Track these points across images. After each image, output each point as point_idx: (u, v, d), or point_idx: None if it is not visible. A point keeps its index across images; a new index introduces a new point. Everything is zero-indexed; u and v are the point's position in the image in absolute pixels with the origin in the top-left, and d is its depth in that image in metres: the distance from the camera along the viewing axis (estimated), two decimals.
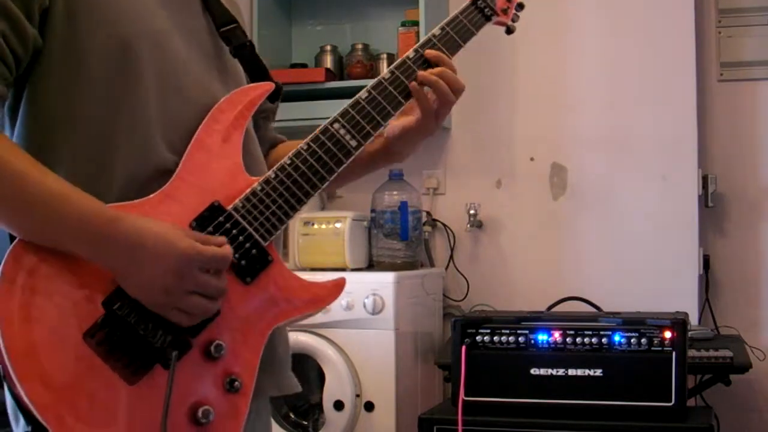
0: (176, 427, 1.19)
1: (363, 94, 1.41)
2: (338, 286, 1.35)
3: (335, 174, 1.37)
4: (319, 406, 3.18)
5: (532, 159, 3.55)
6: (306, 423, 3.31)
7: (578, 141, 3.48)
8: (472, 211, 3.54)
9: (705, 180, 3.34)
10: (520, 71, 3.54)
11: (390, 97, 1.43)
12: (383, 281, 3.11)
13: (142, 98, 1.28)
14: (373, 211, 3.43)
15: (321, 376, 3.16)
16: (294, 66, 3.70)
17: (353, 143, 1.38)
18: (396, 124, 1.49)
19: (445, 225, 3.64)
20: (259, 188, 1.32)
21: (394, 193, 3.40)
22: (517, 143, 3.56)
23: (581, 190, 3.48)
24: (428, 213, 3.62)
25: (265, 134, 1.56)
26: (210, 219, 1.27)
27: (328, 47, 3.64)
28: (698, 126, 3.34)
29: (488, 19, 1.55)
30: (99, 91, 1.27)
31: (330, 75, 3.53)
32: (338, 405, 3.09)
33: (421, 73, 1.45)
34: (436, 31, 1.50)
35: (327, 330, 3.11)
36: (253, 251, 1.29)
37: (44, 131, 1.26)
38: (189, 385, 1.22)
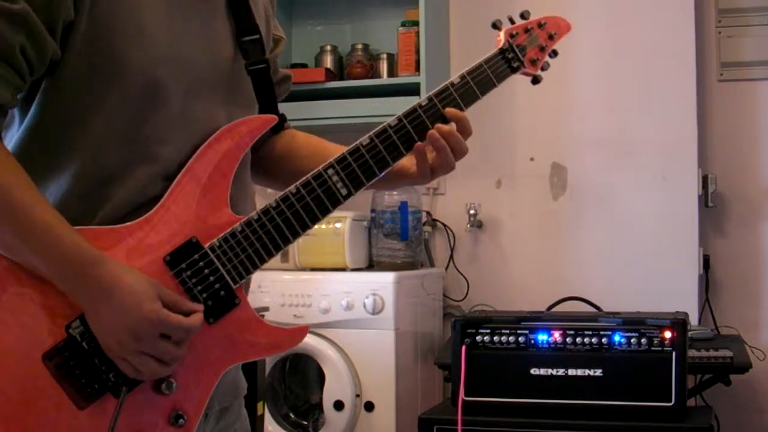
0: None
1: (365, 140, 1.36)
2: (301, 332, 1.34)
3: (319, 221, 1.34)
4: (319, 406, 3.18)
5: (532, 159, 3.55)
6: (306, 423, 3.31)
7: (578, 141, 3.48)
8: (472, 211, 3.54)
9: (705, 180, 3.34)
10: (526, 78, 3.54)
11: (392, 147, 1.36)
12: (383, 281, 3.11)
13: (156, 131, 1.27)
14: (373, 211, 3.43)
15: (321, 376, 3.16)
16: (294, 66, 3.70)
17: (344, 192, 1.34)
18: (396, 166, 1.41)
19: (445, 225, 3.64)
20: (239, 229, 1.29)
21: (394, 193, 3.40)
22: (517, 143, 3.56)
23: (581, 190, 3.48)
24: (428, 213, 3.62)
25: (280, 124, 1.52)
26: (185, 255, 1.27)
27: (328, 47, 3.64)
28: (698, 126, 3.34)
29: (514, 71, 1.46)
30: (116, 114, 1.25)
31: (330, 75, 3.53)
32: (338, 405, 3.09)
33: (432, 132, 1.38)
34: (455, 79, 1.41)
35: (327, 330, 3.11)
36: (222, 293, 1.28)
37: (50, 139, 1.26)
38: (136, 415, 1.24)
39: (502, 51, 1.46)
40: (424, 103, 1.39)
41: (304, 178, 1.33)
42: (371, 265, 3.44)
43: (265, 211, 1.31)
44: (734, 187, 3.40)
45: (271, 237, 1.31)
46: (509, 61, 1.46)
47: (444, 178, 3.63)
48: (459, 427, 2.54)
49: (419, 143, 1.38)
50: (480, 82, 1.43)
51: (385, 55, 3.56)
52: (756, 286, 3.37)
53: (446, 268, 3.61)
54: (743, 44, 3.40)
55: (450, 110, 1.39)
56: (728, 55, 3.42)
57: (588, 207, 3.47)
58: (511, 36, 1.46)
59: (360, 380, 3.11)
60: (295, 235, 1.32)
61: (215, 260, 1.28)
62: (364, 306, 3.08)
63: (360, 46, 3.60)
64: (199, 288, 1.27)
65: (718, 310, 3.37)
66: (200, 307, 1.25)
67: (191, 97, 1.31)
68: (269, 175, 1.54)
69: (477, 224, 3.56)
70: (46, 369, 1.19)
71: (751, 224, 3.39)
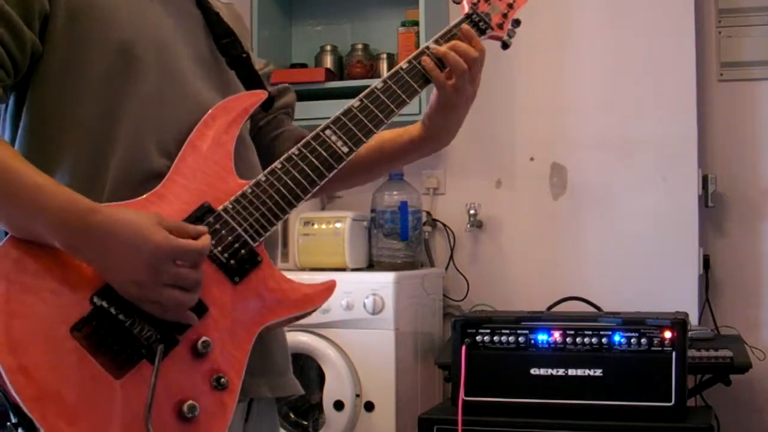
0: (162, 422, 1.20)
1: (355, 102, 1.43)
2: (329, 288, 1.38)
3: (326, 178, 1.37)
4: (319, 406, 3.18)
5: (532, 159, 3.55)
6: (306, 423, 3.31)
7: (578, 141, 3.48)
8: (472, 211, 3.54)
9: (705, 180, 3.34)
10: (520, 71, 3.54)
11: (382, 106, 1.43)
12: (383, 281, 3.11)
13: (141, 104, 1.30)
14: (373, 211, 3.43)
15: (321, 376, 3.16)
16: (294, 66, 3.70)
17: (345, 149, 1.39)
18: (430, 105, 1.50)
19: (445, 225, 3.64)
20: (249, 190, 1.32)
21: (394, 193, 3.40)
22: (517, 143, 3.56)
23: (581, 190, 3.48)
24: (428, 213, 3.62)
25: (289, 130, 1.58)
26: (200, 219, 1.28)
27: (328, 47, 3.64)
28: (698, 126, 3.34)
29: (482, 33, 1.53)
30: (98, 95, 1.28)
31: (330, 75, 3.53)
32: (338, 405, 3.09)
33: (434, 47, 1.45)
34: (429, 43, 1.49)
35: (327, 330, 3.11)
36: (242, 251, 1.29)
37: (45, 136, 1.28)
38: (175, 381, 1.22)
39: (468, 16, 1.53)
40: (404, 66, 1.46)
41: (303, 140, 1.38)
42: (371, 265, 3.44)
43: (271, 172, 1.35)
44: (734, 187, 3.40)
45: (282, 194, 1.33)
46: (476, 24, 1.52)
47: (444, 178, 3.66)
48: (459, 427, 2.54)
49: (426, 59, 1.45)
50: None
51: (385, 55, 3.56)
52: (756, 286, 3.37)
53: (446, 268, 3.61)
54: (743, 44, 3.40)
55: (437, 48, 1.46)
56: (728, 55, 3.42)
57: (588, 207, 3.47)
58: (473, 4, 1.53)
59: (360, 380, 3.10)
60: (305, 191, 1.35)
61: (230, 220, 1.29)
62: (364, 306, 3.08)
63: (360, 46, 3.60)
64: (219, 248, 1.28)
65: (718, 310, 3.37)
66: (204, 228, 1.25)
67: (180, 79, 1.35)
68: None
69: (477, 224, 3.56)
70: (76, 342, 1.18)
71: (751, 224, 3.39)
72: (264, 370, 1.37)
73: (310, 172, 1.36)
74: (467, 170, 3.62)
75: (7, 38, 1.21)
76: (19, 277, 1.18)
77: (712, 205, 3.36)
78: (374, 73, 3.54)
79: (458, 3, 1.55)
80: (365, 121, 1.42)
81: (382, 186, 3.41)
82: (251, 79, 1.47)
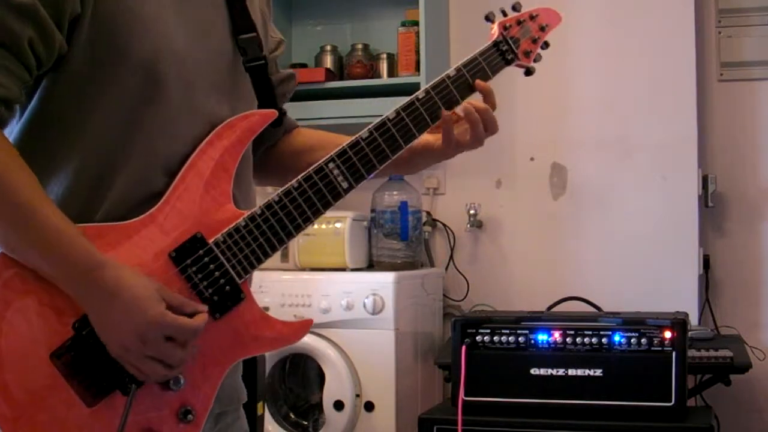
0: None
1: (364, 134, 1.38)
2: (304, 326, 1.36)
3: (321, 215, 1.36)
4: (319, 406, 3.18)
5: (532, 159, 3.55)
6: (306, 423, 3.31)
7: (578, 141, 3.48)
8: (472, 211, 3.54)
9: (705, 180, 3.34)
10: (520, 71, 3.54)
11: (391, 140, 1.38)
12: (383, 281, 3.11)
13: (157, 124, 1.28)
14: (373, 211, 3.43)
15: (321, 376, 3.16)
16: (294, 66, 3.70)
17: (345, 185, 1.36)
18: (420, 141, 1.45)
19: (445, 225, 3.64)
20: (243, 224, 1.30)
21: (394, 193, 3.40)
22: (517, 143, 3.56)
23: (581, 190, 3.48)
24: (428, 213, 3.62)
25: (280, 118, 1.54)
26: (190, 251, 1.27)
27: (328, 47, 3.64)
28: (698, 126, 3.34)
29: (508, 63, 1.49)
30: (116, 107, 1.26)
31: (330, 75, 3.53)
32: (338, 405, 3.09)
33: (466, 106, 1.42)
34: (451, 72, 1.43)
35: (327, 330, 3.11)
36: (227, 288, 1.29)
37: (51, 133, 1.26)
38: (144, 412, 1.24)
39: (496, 44, 1.48)
40: (421, 96, 1.41)
41: (305, 172, 1.34)
42: (371, 265, 3.44)
43: (269, 206, 1.32)
44: (734, 187, 3.40)
45: (275, 231, 1.32)
46: (503, 53, 1.48)
47: (444, 178, 3.66)
48: (459, 427, 2.54)
49: (446, 111, 1.40)
50: (475, 75, 1.45)
51: (385, 55, 3.56)
52: (756, 286, 3.37)
53: (446, 268, 3.61)
54: (743, 44, 3.40)
55: (479, 83, 1.43)
56: (728, 55, 3.42)
57: (588, 207, 3.47)
58: (505, 28, 1.48)
59: (360, 380, 3.10)
60: (298, 228, 1.33)
61: (220, 255, 1.28)
62: (364, 306, 3.08)
63: (360, 46, 3.60)
64: (205, 284, 1.27)
65: (718, 310, 3.37)
66: (204, 308, 1.25)
67: (193, 92, 1.32)
68: (283, 172, 1.52)
69: (477, 224, 3.56)
70: (55, 367, 1.20)
71: (751, 224, 3.39)
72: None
73: (306, 208, 1.34)
74: (467, 170, 3.62)
75: (37, 40, 1.20)
76: (5, 295, 1.19)
77: (712, 205, 3.36)
78: (374, 74, 3.54)
79: (490, 21, 1.48)
80: (371, 155, 1.37)
81: (382, 186, 3.41)
82: (264, 90, 1.43)
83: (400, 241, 3.38)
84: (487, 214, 3.57)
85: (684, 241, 3.32)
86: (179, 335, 1.21)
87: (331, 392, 3.10)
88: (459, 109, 1.44)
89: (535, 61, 1.52)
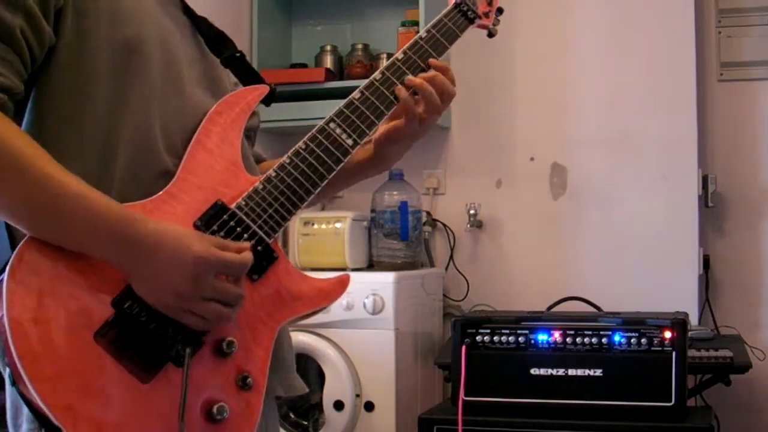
0: (192, 425, 1.19)
1: (356, 94, 1.43)
2: (342, 282, 1.37)
3: (334, 172, 1.38)
4: (319, 406, 3.18)
5: (532, 159, 3.55)
6: (306, 423, 3.31)
7: (578, 141, 3.48)
8: (472, 211, 3.54)
9: (705, 180, 3.34)
10: (520, 71, 3.54)
11: (382, 98, 1.44)
12: (383, 281, 3.11)
13: (146, 99, 1.30)
14: (373, 211, 3.43)
15: (321, 376, 3.16)
16: (294, 66, 3.70)
17: (349, 141, 1.40)
18: (382, 128, 1.51)
19: (445, 225, 3.64)
20: (260, 186, 1.33)
21: (394, 193, 3.40)
22: (517, 143, 3.56)
23: (581, 190, 3.48)
24: (428, 213, 3.62)
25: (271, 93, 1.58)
26: (214, 217, 1.28)
27: (328, 47, 3.64)
28: (698, 126, 3.34)
29: (471, 21, 1.58)
30: (106, 89, 1.27)
31: (330, 75, 3.53)
32: (338, 405, 3.09)
33: (409, 78, 1.46)
34: (422, 33, 1.52)
35: (327, 330, 3.11)
36: (259, 248, 1.29)
37: (52, 128, 1.26)
38: (202, 383, 1.21)
39: (457, 5, 1.57)
40: (400, 57, 1.48)
41: (308, 134, 1.38)
42: (371, 265, 3.44)
43: (281, 167, 1.35)
44: (734, 187, 3.40)
45: (293, 190, 1.35)
46: (465, 13, 1.57)
47: (444, 178, 3.67)
48: (459, 427, 2.54)
49: (400, 87, 1.46)
50: (444, 33, 1.53)
51: (385, 55, 3.56)
52: (756, 286, 3.37)
53: (446, 268, 3.61)
54: (743, 44, 3.40)
55: (433, 60, 1.49)
56: (728, 55, 3.42)
57: (588, 207, 3.47)
58: None
59: (360, 380, 3.10)
60: (315, 185, 1.36)
61: (245, 218, 1.30)
62: (364, 306, 3.08)
63: (360, 46, 3.60)
64: None
65: (718, 310, 3.37)
66: (247, 244, 1.25)
67: (177, 71, 1.35)
68: None
69: (477, 224, 3.56)
70: (101, 347, 1.16)
71: (751, 224, 3.39)
72: (275, 366, 1.35)
73: (318, 166, 1.37)
74: (467, 170, 3.62)
75: (27, 30, 1.20)
76: (38, 283, 1.15)
77: (712, 205, 3.36)
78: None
79: None
80: (367, 113, 1.43)
81: (382, 186, 3.41)
82: (249, 75, 1.47)
83: (400, 241, 3.38)
84: (487, 214, 3.58)
85: (684, 241, 3.32)
86: (230, 269, 1.20)
87: (331, 392, 3.10)
88: (412, 85, 1.49)
89: (494, 25, 1.63)
